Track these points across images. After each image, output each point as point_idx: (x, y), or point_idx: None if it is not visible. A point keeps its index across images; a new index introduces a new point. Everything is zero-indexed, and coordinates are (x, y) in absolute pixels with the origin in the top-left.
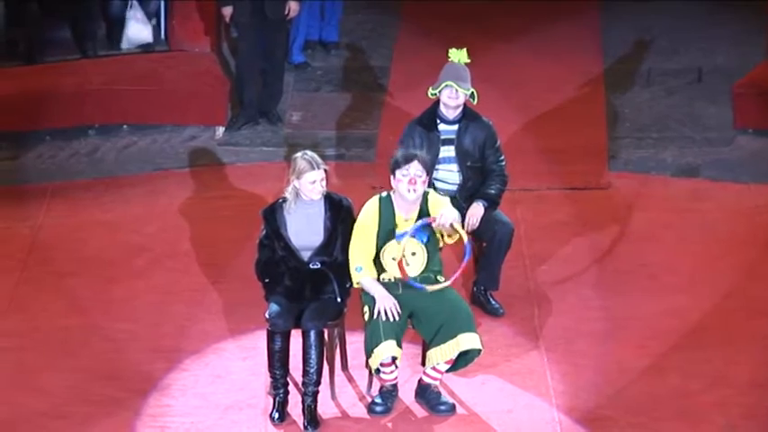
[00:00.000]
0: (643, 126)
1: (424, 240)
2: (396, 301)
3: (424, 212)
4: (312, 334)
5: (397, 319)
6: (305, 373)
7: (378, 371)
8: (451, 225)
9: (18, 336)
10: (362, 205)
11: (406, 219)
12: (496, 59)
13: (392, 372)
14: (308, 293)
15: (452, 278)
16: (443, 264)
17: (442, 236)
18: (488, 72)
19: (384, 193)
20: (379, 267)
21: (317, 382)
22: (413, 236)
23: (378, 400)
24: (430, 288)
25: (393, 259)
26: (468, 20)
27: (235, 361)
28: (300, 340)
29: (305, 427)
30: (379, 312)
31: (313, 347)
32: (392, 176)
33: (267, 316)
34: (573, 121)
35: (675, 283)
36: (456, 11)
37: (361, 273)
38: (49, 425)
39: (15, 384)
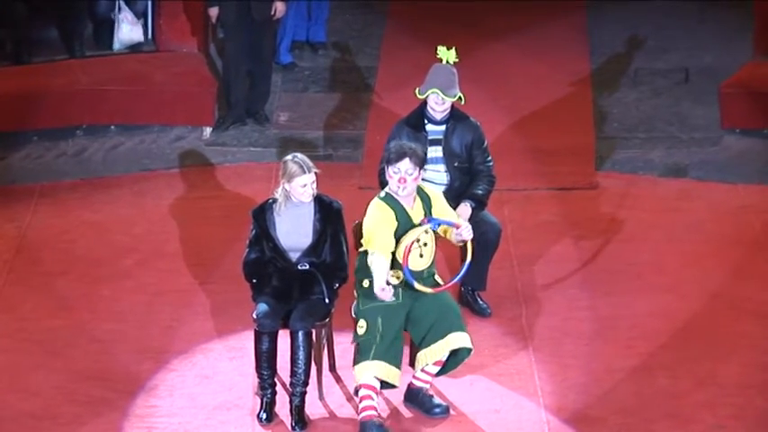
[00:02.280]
0: (630, 126)
1: (435, 228)
2: (390, 290)
3: (426, 203)
4: (300, 335)
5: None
6: (293, 373)
7: (356, 391)
8: (464, 242)
9: (5, 336)
10: (350, 206)
11: (412, 209)
12: (484, 59)
13: (372, 400)
14: (296, 294)
15: (439, 288)
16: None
17: (462, 242)
18: (476, 72)
19: (382, 194)
20: (393, 263)
21: (305, 383)
22: (433, 228)
23: None
24: (417, 286)
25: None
26: (455, 20)
27: (222, 361)
28: (288, 341)
29: (292, 428)
30: (375, 328)
31: (301, 348)
32: (386, 167)
33: (255, 316)
34: (560, 121)
35: (663, 282)
36: (443, 11)
37: (377, 253)
38: (36, 425)
39: (2, 385)
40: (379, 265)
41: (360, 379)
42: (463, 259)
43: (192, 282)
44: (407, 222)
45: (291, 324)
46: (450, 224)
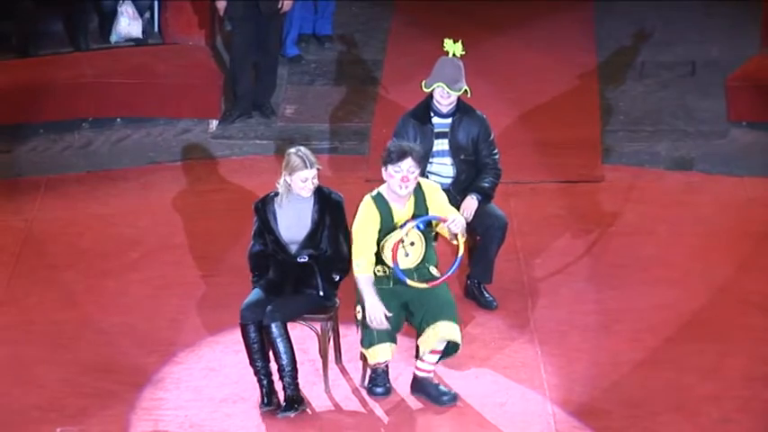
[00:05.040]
0: (637, 119)
1: (422, 228)
2: (385, 313)
3: (420, 201)
4: (272, 328)
5: (386, 327)
6: (279, 367)
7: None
8: (456, 234)
9: (12, 329)
10: (355, 198)
11: (402, 210)
12: (490, 52)
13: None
14: (288, 288)
15: (433, 282)
16: (438, 257)
17: (455, 236)
18: (482, 65)
19: (374, 192)
20: (379, 260)
21: (293, 375)
22: (420, 228)
23: (377, 382)
24: (410, 283)
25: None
26: (461, 12)
27: (228, 354)
28: (296, 332)
29: (283, 410)
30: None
31: (277, 341)
32: (384, 168)
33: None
34: (567, 114)
35: (669, 276)
36: (450, 3)
37: (361, 268)
38: (43, 418)
39: (9, 377)
40: (363, 283)
41: (374, 360)
42: (457, 253)
43: (197, 274)
44: (390, 225)
45: (264, 319)
46: (437, 219)
